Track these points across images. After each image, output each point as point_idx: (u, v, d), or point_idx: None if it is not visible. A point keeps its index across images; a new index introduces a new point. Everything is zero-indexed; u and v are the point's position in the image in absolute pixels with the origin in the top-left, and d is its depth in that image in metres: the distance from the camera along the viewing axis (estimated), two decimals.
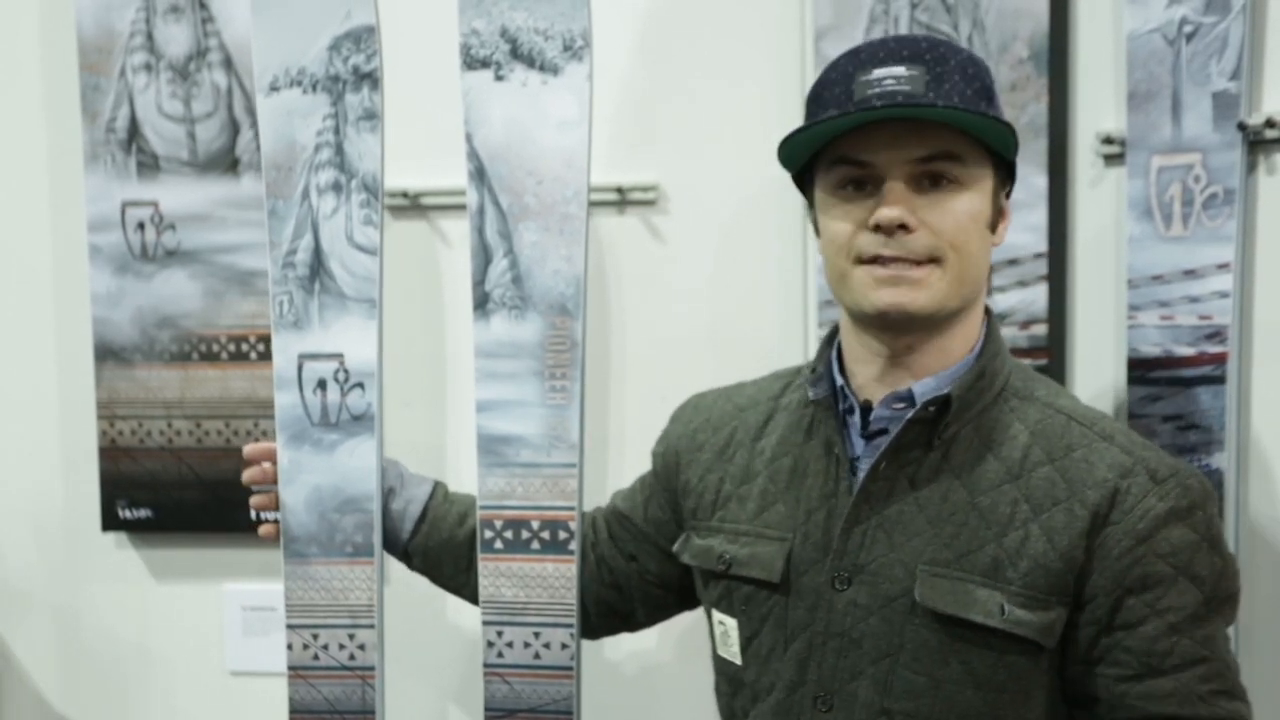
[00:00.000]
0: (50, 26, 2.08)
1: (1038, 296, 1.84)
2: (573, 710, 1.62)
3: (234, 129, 2.01)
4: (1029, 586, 1.30)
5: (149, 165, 2.03)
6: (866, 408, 1.39)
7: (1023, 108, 1.81)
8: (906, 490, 1.36)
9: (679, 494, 1.56)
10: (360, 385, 1.61)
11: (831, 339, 1.47)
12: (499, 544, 1.61)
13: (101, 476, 2.09)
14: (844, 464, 1.39)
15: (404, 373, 2.02)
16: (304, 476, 1.62)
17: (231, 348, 2.03)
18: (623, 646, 2.02)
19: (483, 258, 1.60)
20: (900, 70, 1.31)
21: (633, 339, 1.99)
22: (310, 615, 1.63)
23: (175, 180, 2.02)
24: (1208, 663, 1.30)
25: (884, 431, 1.38)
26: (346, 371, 1.61)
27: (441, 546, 1.64)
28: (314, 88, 1.60)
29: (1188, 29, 1.73)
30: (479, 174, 1.59)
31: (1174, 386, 1.76)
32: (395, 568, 1.74)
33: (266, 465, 1.64)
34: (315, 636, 1.64)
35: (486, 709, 1.64)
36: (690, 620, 1.73)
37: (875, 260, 1.32)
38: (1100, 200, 1.84)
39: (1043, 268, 1.83)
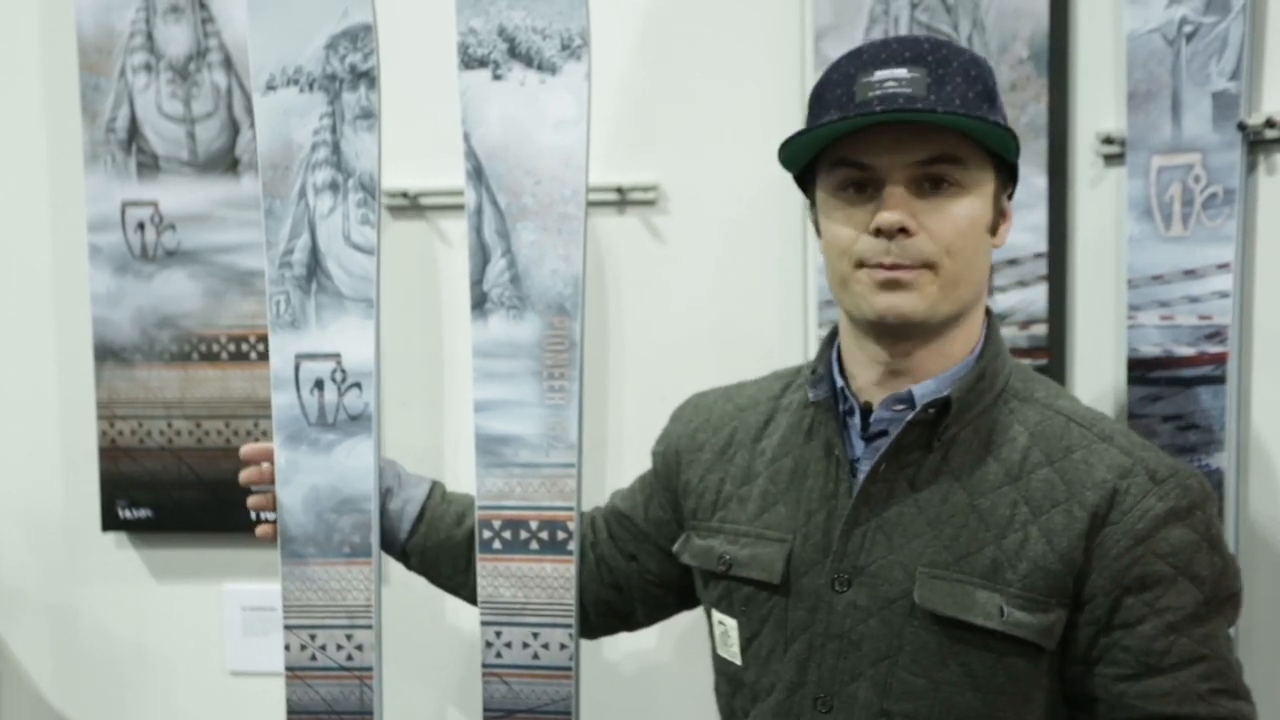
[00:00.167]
0: (50, 26, 2.08)
1: (1038, 296, 1.84)
2: (571, 710, 1.62)
3: (234, 129, 2.01)
4: (1028, 588, 1.30)
5: (149, 165, 2.03)
6: (866, 409, 1.39)
7: (1023, 108, 1.81)
8: (906, 492, 1.36)
9: (679, 494, 1.56)
10: (358, 385, 1.61)
11: (832, 340, 1.47)
12: (497, 544, 1.61)
13: (101, 476, 2.09)
14: (844, 465, 1.39)
15: (402, 373, 2.02)
16: (301, 477, 1.62)
17: (231, 348, 2.03)
18: (621, 647, 2.02)
19: (481, 257, 1.60)
20: (902, 72, 1.30)
21: (632, 339, 1.99)
22: (308, 616, 1.63)
23: (175, 180, 2.02)
24: (1207, 661, 1.29)
25: (884, 433, 1.38)
26: (344, 371, 1.61)
27: (439, 546, 1.64)
28: (311, 87, 1.60)
29: (1187, 29, 1.73)
30: (477, 173, 1.59)
31: (1174, 386, 1.76)
32: (393, 568, 1.74)
33: (264, 465, 1.64)
34: (313, 637, 1.63)
35: (485, 709, 1.64)
36: (690, 620, 1.73)
37: (876, 265, 1.32)
38: (1100, 200, 1.84)
39: (1043, 268, 1.83)
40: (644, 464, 1.66)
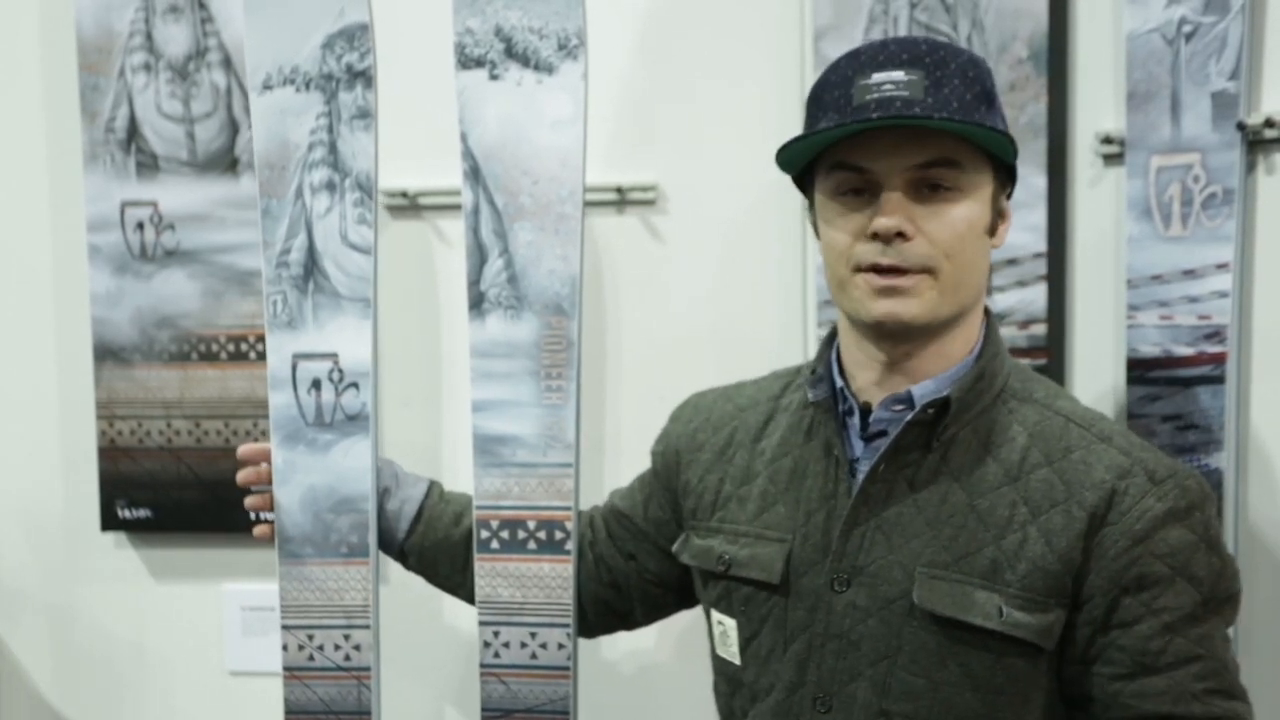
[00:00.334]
0: (50, 26, 2.08)
1: (1037, 296, 1.84)
2: (570, 710, 1.62)
3: (233, 129, 2.01)
4: (1027, 589, 1.30)
5: (148, 165, 2.03)
6: (866, 409, 1.39)
7: (1022, 108, 1.81)
8: (905, 492, 1.36)
9: (679, 493, 1.56)
10: (355, 385, 1.61)
11: (831, 340, 1.47)
12: (495, 544, 1.61)
13: (101, 476, 2.09)
14: (843, 465, 1.39)
15: (400, 373, 2.02)
16: (299, 477, 1.61)
17: (231, 348, 2.03)
18: (620, 646, 2.02)
19: (478, 257, 1.60)
20: (899, 75, 1.30)
21: (631, 339, 1.99)
22: (305, 616, 1.63)
23: (174, 180, 2.03)
24: (1202, 661, 1.29)
25: (883, 433, 1.38)
26: (341, 371, 1.61)
27: (437, 546, 1.64)
28: (307, 86, 1.59)
29: (1187, 29, 1.72)
30: (474, 173, 1.59)
31: (1173, 386, 1.76)
32: (391, 568, 1.74)
33: (262, 466, 1.64)
34: (310, 637, 1.63)
35: (483, 709, 1.64)
36: (689, 620, 1.73)
37: (874, 268, 1.32)
38: (1100, 200, 1.84)
39: (1042, 268, 1.83)
40: (642, 464, 1.66)
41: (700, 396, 1.62)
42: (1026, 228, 1.82)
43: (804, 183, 1.43)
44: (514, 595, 1.61)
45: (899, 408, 1.37)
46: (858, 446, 1.40)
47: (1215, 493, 1.65)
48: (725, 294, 1.96)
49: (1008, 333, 1.82)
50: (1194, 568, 1.29)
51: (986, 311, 1.42)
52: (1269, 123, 1.72)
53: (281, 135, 1.61)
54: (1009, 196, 1.40)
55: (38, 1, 2.09)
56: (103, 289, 2.05)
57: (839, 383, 1.42)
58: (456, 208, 1.69)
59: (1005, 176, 1.38)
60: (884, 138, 1.30)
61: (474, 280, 1.60)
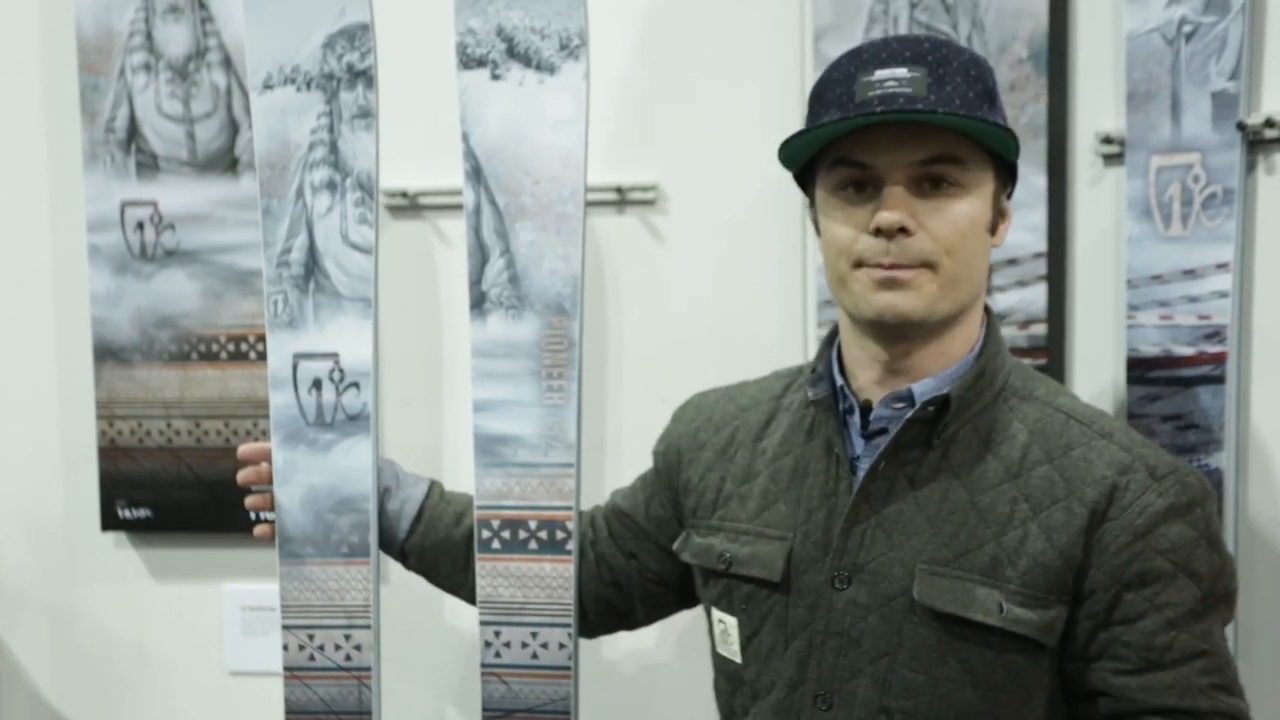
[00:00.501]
0: (50, 26, 2.08)
1: (1037, 296, 1.84)
2: (570, 710, 1.62)
3: (233, 129, 2.01)
4: (1028, 585, 1.30)
5: (148, 165, 2.03)
6: (866, 408, 1.40)
7: (1022, 108, 1.81)
8: (906, 490, 1.36)
9: (680, 492, 1.57)
10: (355, 385, 1.60)
11: (831, 339, 1.47)
12: (496, 544, 1.61)
13: (101, 476, 2.09)
14: (844, 464, 1.39)
15: (401, 372, 2.02)
16: (299, 476, 1.61)
17: (231, 348, 2.03)
18: (621, 646, 2.02)
19: (479, 257, 1.60)
20: (902, 72, 1.31)
21: (632, 339, 1.99)
22: (306, 616, 1.63)
23: (174, 180, 2.03)
24: (1207, 656, 1.30)
25: (884, 431, 1.38)
26: (341, 371, 1.61)
27: (438, 546, 1.64)
28: (308, 86, 1.59)
29: (1187, 29, 1.72)
30: (475, 173, 1.59)
31: (1173, 386, 1.76)
32: (392, 568, 1.74)
33: (262, 465, 1.64)
34: (311, 637, 1.63)
35: (484, 709, 1.64)
36: (689, 619, 1.73)
37: (874, 264, 1.32)
38: (1100, 200, 1.84)
39: (1042, 267, 1.83)
40: (643, 464, 1.66)
41: (702, 396, 1.62)
42: (1026, 228, 1.82)
43: (805, 180, 1.43)
44: (515, 595, 1.61)
45: (899, 405, 1.37)
46: (858, 445, 1.40)
47: (1215, 492, 1.66)
48: (725, 294, 1.96)
49: (1008, 332, 1.82)
50: (1195, 563, 1.30)
51: (987, 310, 1.43)
52: (1269, 123, 1.72)
53: (282, 135, 1.61)
54: (1009, 196, 1.40)
55: (38, 1, 2.09)
56: (103, 289, 2.04)
57: (839, 381, 1.42)
58: (457, 208, 1.69)
59: (1006, 176, 1.38)
60: (886, 133, 1.30)
61: (475, 280, 1.60)
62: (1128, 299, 1.78)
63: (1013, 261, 1.83)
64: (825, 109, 1.34)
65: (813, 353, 1.59)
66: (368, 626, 1.62)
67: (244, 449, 1.64)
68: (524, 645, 1.62)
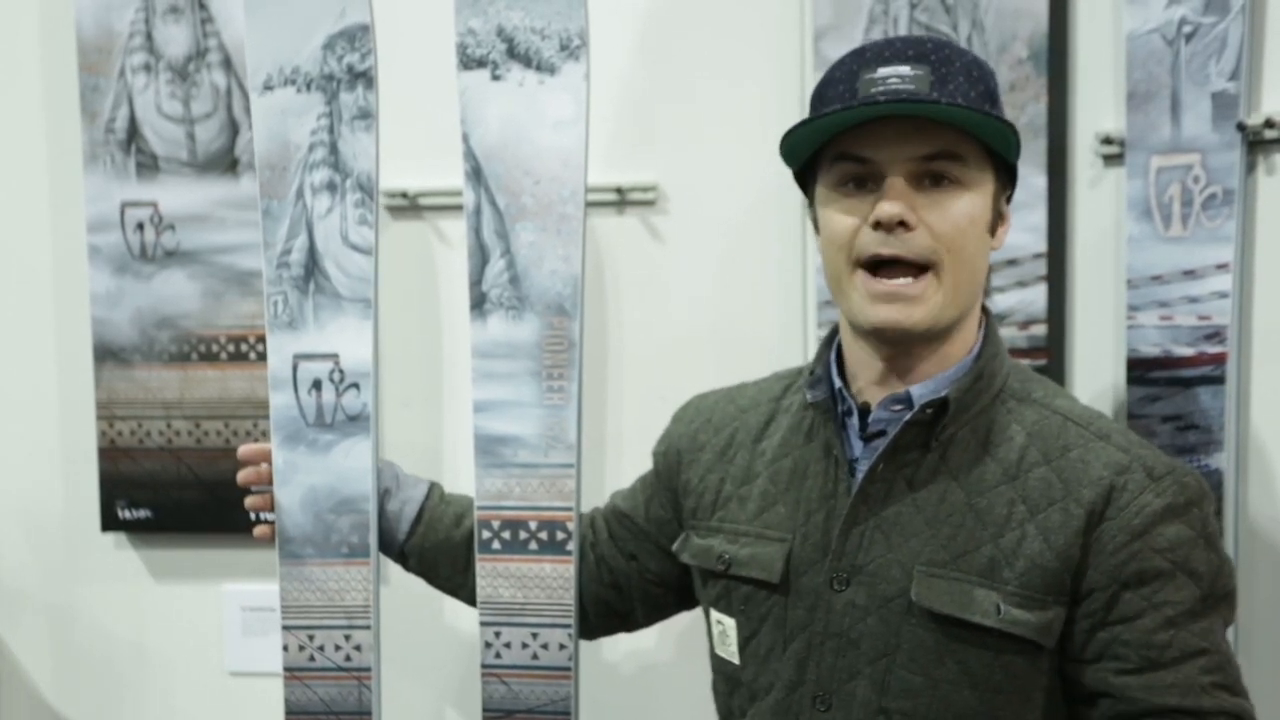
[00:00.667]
0: (50, 27, 2.08)
1: (1037, 297, 1.84)
2: (571, 711, 1.62)
3: (233, 129, 2.01)
4: (1025, 586, 1.30)
5: (148, 165, 2.03)
6: (865, 410, 1.40)
7: (1022, 108, 1.81)
8: (904, 491, 1.36)
9: (679, 493, 1.57)
10: (355, 386, 1.61)
11: (830, 341, 1.47)
12: (496, 544, 1.61)
13: (101, 477, 2.09)
14: (843, 465, 1.39)
15: (401, 373, 2.02)
16: (299, 477, 1.62)
17: (231, 348, 2.03)
18: (621, 646, 2.02)
19: (480, 258, 1.60)
20: (905, 69, 1.31)
21: (632, 339, 1.99)
22: (306, 616, 1.63)
23: (174, 180, 2.03)
24: (1208, 655, 1.30)
25: (882, 433, 1.38)
26: (341, 372, 1.61)
27: (438, 547, 1.64)
28: (308, 87, 1.59)
29: (1187, 29, 1.72)
30: (475, 174, 1.59)
31: (1173, 387, 1.76)
32: (392, 568, 1.74)
33: (262, 466, 1.64)
34: (311, 638, 1.63)
35: (484, 710, 1.64)
36: (689, 620, 1.73)
37: (874, 265, 1.32)
38: (1099, 200, 1.84)
39: (1042, 268, 1.83)
40: (644, 464, 1.66)
41: (702, 398, 1.62)
42: (1026, 228, 1.82)
43: (805, 180, 1.43)
44: (515, 596, 1.61)
45: (898, 408, 1.37)
46: (857, 447, 1.40)
47: (1215, 493, 1.66)
48: (725, 294, 1.96)
49: (1008, 333, 1.82)
50: (1193, 563, 1.30)
51: (986, 312, 1.43)
52: (1269, 123, 1.72)
53: (282, 136, 1.61)
54: (1009, 199, 1.40)
55: (38, 1, 2.09)
56: (103, 289, 2.04)
57: (838, 384, 1.42)
58: (458, 208, 1.68)
59: (1007, 178, 1.38)
60: (889, 128, 1.30)
61: (475, 281, 1.60)
62: (1128, 299, 1.78)
63: (1013, 262, 1.83)
64: (828, 105, 1.34)
65: (813, 353, 1.59)
66: (368, 627, 1.62)
67: (244, 449, 1.65)
68: (524, 646, 1.62)
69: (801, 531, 1.40)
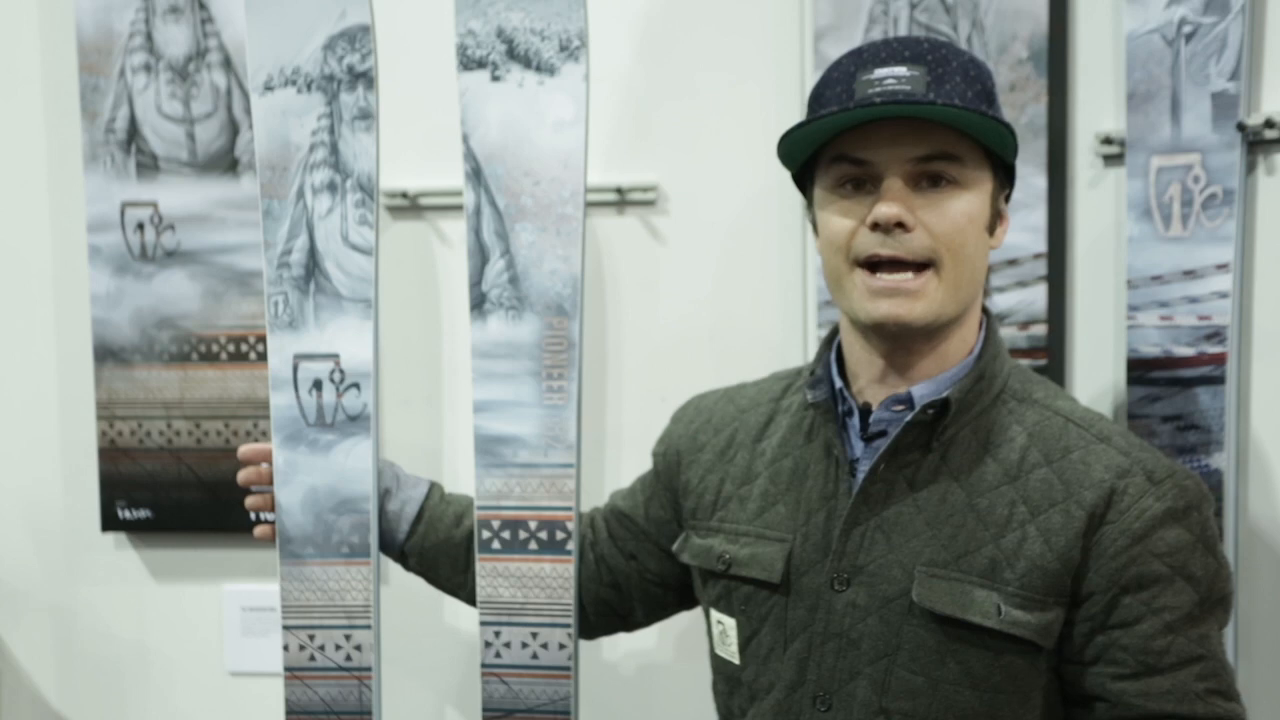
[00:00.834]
0: (50, 27, 2.08)
1: (1037, 297, 1.84)
2: (570, 710, 1.62)
3: (233, 129, 2.01)
4: (1026, 587, 1.30)
5: (148, 166, 2.03)
6: (866, 410, 1.40)
7: (1022, 108, 1.81)
8: (905, 492, 1.36)
9: (679, 493, 1.57)
10: (356, 386, 1.61)
11: (830, 341, 1.47)
12: (496, 544, 1.61)
13: (101, 477, 2.09)
14: (843, 466, 1.39)
15: (401, 373, 2.03)
16: (300, 477, 1.62)
17: (231, 348, 2.03)
18: (621, 646, 2.02)
19: (479, 258, 1.60)
20: (902, 70, 1.31)
21: (632, 339, 1.99)
22: (306, 616, 1.63)
23: (174, 181, 2.02)
24: (1204, 661, 1.30)
25: (883, 434, 1.38)
26: (342, 372, 1.61)
27: (438, 547, 1.64)
28: (308, 87, 1.60)
29: (1187, 29, 1.72)
30: (475, 174, 1.59)
31: (1173, 387, 1.76)
32: (392, 568, 1.74)
33: (262, 466, 1.64)
34: (311, 637, 1.63)
35: (484, 709, 1.64)
36: (689, 620, 1.73)
37: (872, 264, 1.32)
38: (1100, 201, 1.84)
39: (1042, 268, 1.83)
40: (643, 464, 1.66)
41: (701, 398, 1.62)
42: (1026, 228, 1.82)
43: (803, 182, 1.43)
44: (515, 595, 1.61)
45: (899, 408, 1.37)
46: (858, 447, 1.40)
47: (1215, 493, 1.66)
48: (725, 294, 1.96)
49: (1008, 333, 1.82)
50: (1192, 567, 1.30)
51: (986, 312, 1.43)
52: (1269, 123, 1.72)
53: (283, 136, 1.61)
54: (1008, 199, 1.40)
55: (37, 2, 2.09)
56: (103, 289, 2.04)
57: (838, 384, 1.42)
58: (458, 208, 1.69)
59: (1005, 178, 1.38)
60: (885, 130, 1.30)
61: (475, 281, 1.60)
62: (1128, 299, 1.78)
63: (1013, 262, 1.83)
64: (825, 107, 1.35)
65: (813, 353, 1.59)
66: (368, 627, 1.63)
67: (244, 449, 1.65)
68: (524, 645, 1.62)
69: (802, 532, 1.40)
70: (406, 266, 2.01)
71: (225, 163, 2.01)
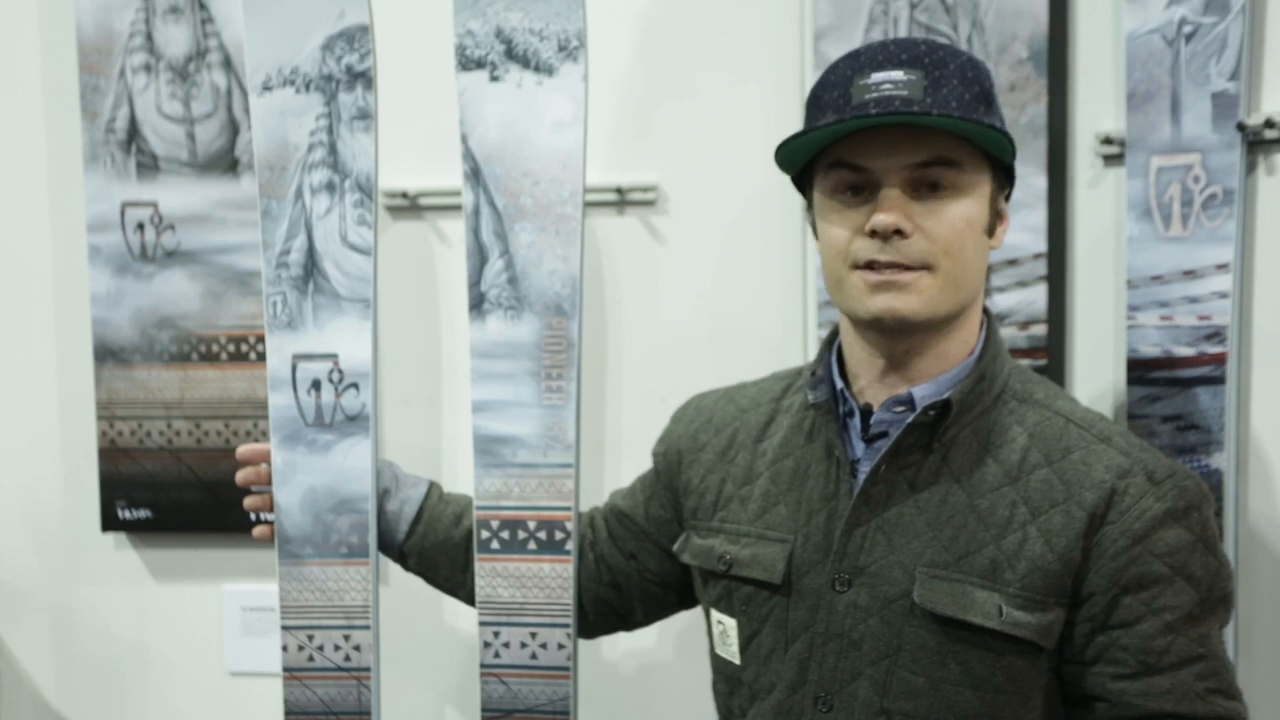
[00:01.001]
0: (50, 27, 2.08)
1: (1037, 297, 1.83)
2: (570, 710, 1.62)
3: (233, 129, 2.01)
4: (1027, 588, 1.30)
5: (148, 166, 2.03)
6: (867, 411, 1.40)
7: (1022, 108, 1.81)
8: (906, 493, 1.36)
9: (679, 493, 1.57)
10: (355, 386, 1.61)
11: (830, 342, 1.47)
12: (495, 544, 1.61)
13: (101, 477, 2.09)
14: (844, 466, 1.39)
15: (401, 373, 2.03)
16: (299, 477, 1.62)
17: (231, 348, 2.03)
18: (620, 646, 2.02)
19: (478, 258, 1.60)
20: (898, 74, 1.31)
21: (631, 339, 1.99)
22: (305, 616, 1.63)
23: (175, 181, 2.02)
24: (1204, 660, 1.30)
25: (884, 434, 1.38)
26: (341, 372, 1.61)
27: (437, 547, 1.64)
28: (307, 87, 1.60)
29: (1187, 29, 1.72)
30: (474, 175, 1.59)
31: (1173, 387, 1.76)
32: (392, 568, 1.74)
33: (261, 466, 1.64)
34: (310, 638, 1.63)
35: (483, 709, 1.64)
36: (689, 620, 1.73)
37: (870, 265, 1.32)
38: (1100, 201, 1.84)
39: (1042, 268, 1.83)
40: (643, 464, 1.66)
41: (702, 398, 1.62)
42: (1026, 228, 1.82)
43: (802, 183, 1.43)
44: (514, 595, 1.61)
45: (900, 409, 1.37)
46: (859, 448, 1.40)
47: (1215, 493, 1.66)
48: (725, 294, 1.96)
49: (1008, 333, 1.82)
50: (1192, 567, 1.30)
51: (986, 312, 1.43)
52: (1269, 123, 1.72)
53: (281, 136, 1.61)
54: (1007, 199, 1.40)
55: (37, 2, 2.09)
56: (103, 289, 2.04)
57: (839, 384, 1.42)
58: (457, 208, 1.68)
59: (1004, 178, 1.38)
60: (882, 136, 1.30)
61: (474, 281, 1.60)
62: (1128, 299, 1.78)
63: (1013, 262, 1.83)
64: (822, 112, 1.35)
65: (813, 353, 1.59)
66: (367, 627, 1.63)
67: (243, 450, 1.65)
68: (523, 645, 1.62)
69: (803, 532, 1.40)
70: (406, 266, 2.01)
71: (225, 163, 2.02)
